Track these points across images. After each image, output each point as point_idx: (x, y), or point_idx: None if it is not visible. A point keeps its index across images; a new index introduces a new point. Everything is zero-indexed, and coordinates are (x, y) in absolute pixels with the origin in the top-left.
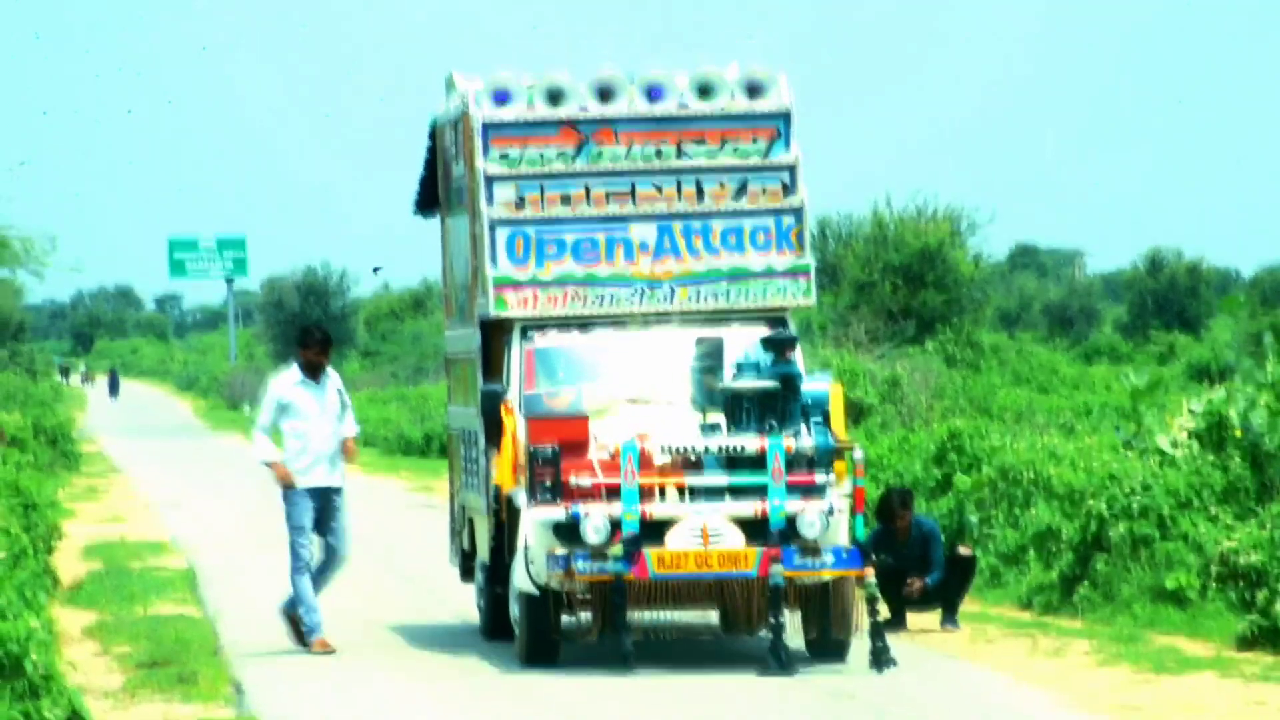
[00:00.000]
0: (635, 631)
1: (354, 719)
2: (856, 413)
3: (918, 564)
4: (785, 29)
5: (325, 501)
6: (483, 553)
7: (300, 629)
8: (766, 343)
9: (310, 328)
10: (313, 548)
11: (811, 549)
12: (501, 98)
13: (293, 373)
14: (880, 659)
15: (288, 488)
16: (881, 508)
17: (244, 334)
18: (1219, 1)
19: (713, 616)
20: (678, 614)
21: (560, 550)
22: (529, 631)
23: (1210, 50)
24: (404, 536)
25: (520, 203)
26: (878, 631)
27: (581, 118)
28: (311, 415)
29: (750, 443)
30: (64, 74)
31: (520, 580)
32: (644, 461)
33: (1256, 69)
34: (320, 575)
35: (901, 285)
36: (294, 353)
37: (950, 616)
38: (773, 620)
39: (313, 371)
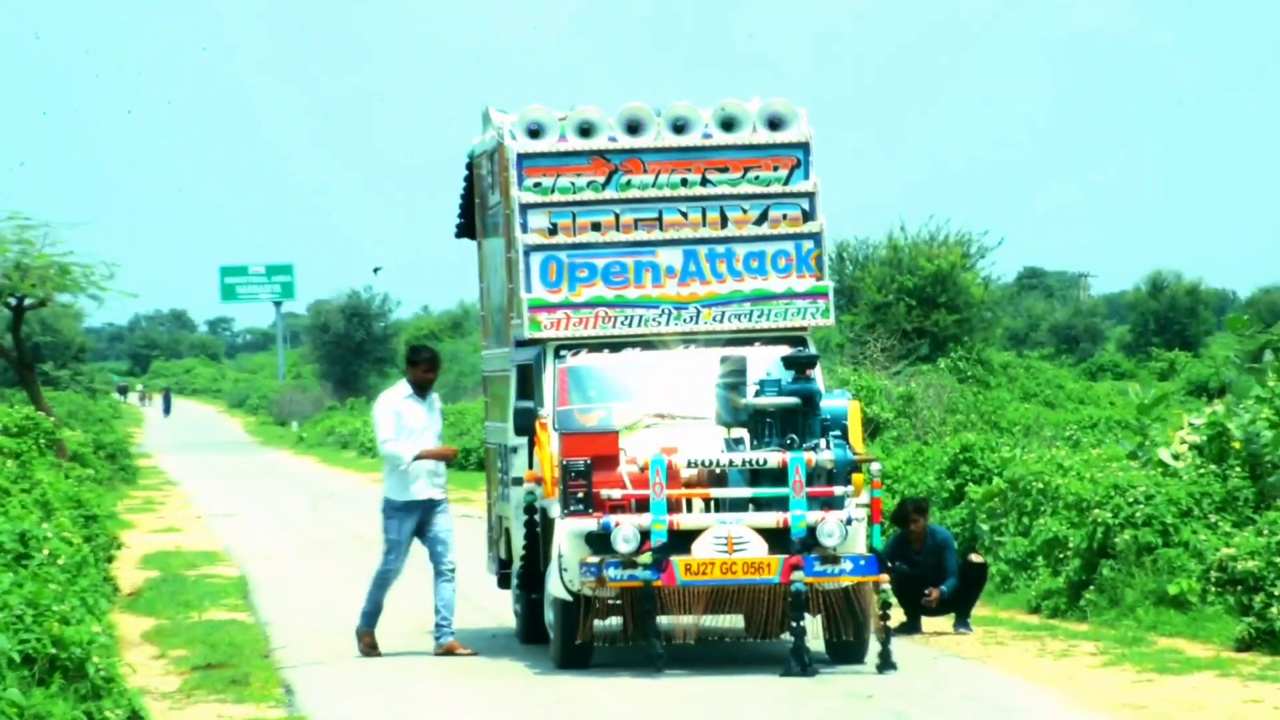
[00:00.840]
0: (663, 636)
1: (398, 718)
2: (873, 428)
3: (932, 571)
4: (804, 64)
5: (426, 514)
6: (517, 559)
7: (459, 651)
8: (787, 361)
9: (419, 347)
10: (404, 561)
11: (831, 557)
12: (535, 131)
13: (402, 387)
14: (885, 662)
15: (447, 456)
16: (897, 513)
17: (292, 354)
18: (1218, 34)
19: (737, 621)
20: (704, 619)
21: (592, 559)
22: (563, 636)
23: (1209, 80)
24: None
25: (553, 229)
26: (886, 636)
27: (611, 149)
28: (418, 429)
29: (772, 457)
30: (65, 73)
31: (554, 587)
32: (671, 475)
33: (1254, 99)
34: (441, 585)
35: (915, 306)
36: (404, 371)
37: (963, 620)
38: (794, 625)
39: (421, 389)
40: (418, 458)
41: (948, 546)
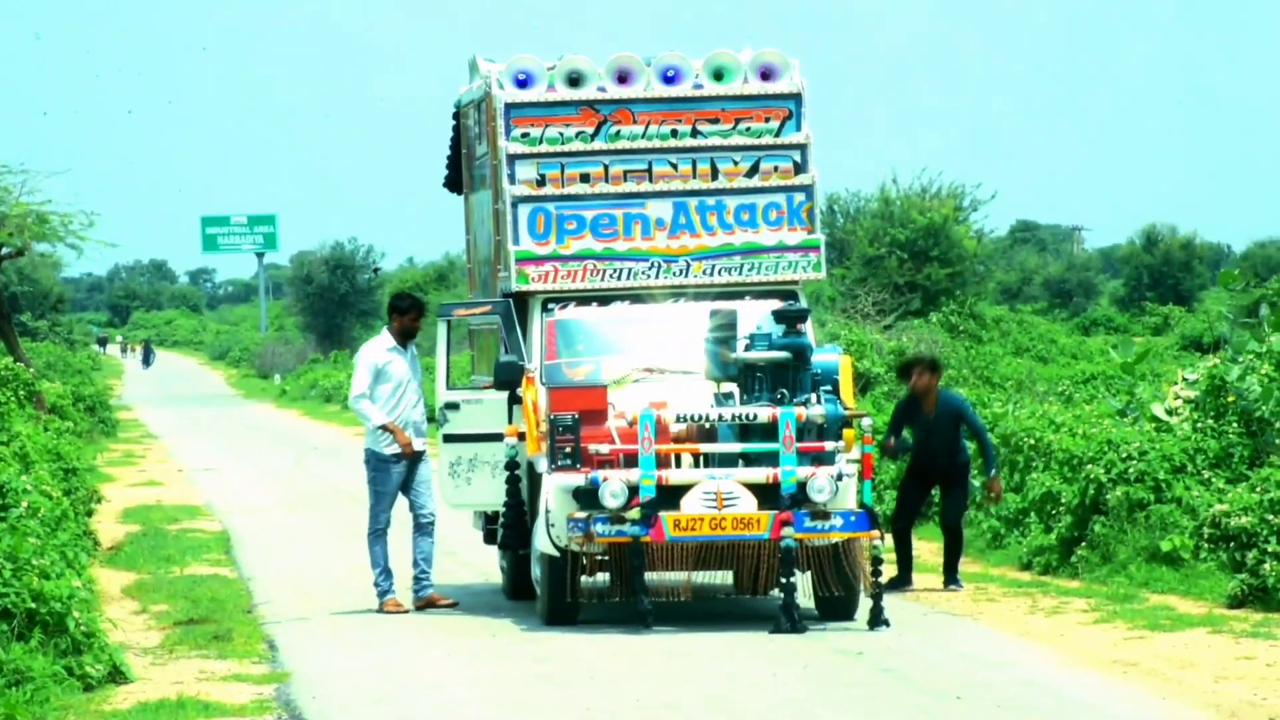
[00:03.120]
0: (651, 592)
1: (382, 674)
2: (864, 383)
3: (948, 439)
4: (798, 16)
5: (411, 466)
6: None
7: (440, 602)
8: (778, 315)
9: (403, 294)
10: (392, 513)
11: (821, 513)
12: (523, 80)
13: (384, 339)
14: (876, 618)
15: (406, 457)
16: (901, 370)
17: (274, 306)
18: None
19: (726, 578)
20: (693, 575)
21: (580, 514)
22: (550, 592)
23: (1206, 33)
24: None
25: (541, 181)
26: (878, 592)
27: (600, 99)
28: (403, 381)
29: (762, 412)
30: (68, 72)
31: (541, 543)
32: (660, 430)
33: (1251, 52)
34: (421, 538)
35: (907, 260)
36: (388, 320)
37: (952, 578)
38: (784, 581)
39: (404, 338)
40: (383, 428)
41: (964, 410)
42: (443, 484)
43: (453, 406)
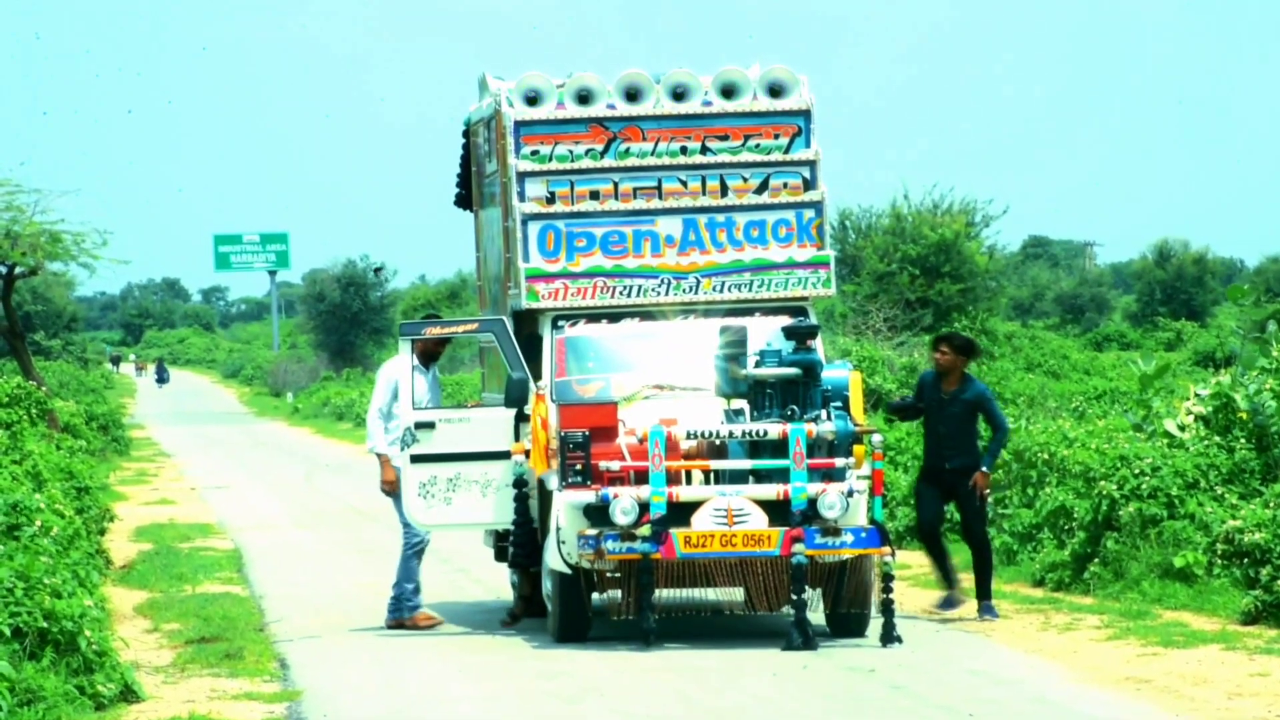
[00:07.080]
0: (659, 610)
1: (393, 691)
2: (875, 399)
3: (960, 426)
4: (807, 31)
5: None
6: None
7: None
8: (788, 332)
9: (432, 315)
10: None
11: (832, 529)
12: (532, 98)
13: (407, 357)
14: (888, 635)
15: (390, 490)
16: (933, 342)
17: (286, 324)
18: (1223, 2)
19: (737, 594)
20: (704, 592)
21: (591, 531)
22: (561, 609)
23: (1214, 49)
24: None
25: (551, 198)
26: (888, 609)
27: (610, 116)
28: (422, 400)
29: (773, 428)
30: (72, 73)
31: (553, 560)
32: (671, 446)
33: (1262, 66)
34: (420, 563)
35: (919, 276)
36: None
37: (986, 605)
38: (795, 598)
39: (426, 359)
40: (380, 455)
41: (985, 401)
42: (411, 504)
43: (426, 426)
